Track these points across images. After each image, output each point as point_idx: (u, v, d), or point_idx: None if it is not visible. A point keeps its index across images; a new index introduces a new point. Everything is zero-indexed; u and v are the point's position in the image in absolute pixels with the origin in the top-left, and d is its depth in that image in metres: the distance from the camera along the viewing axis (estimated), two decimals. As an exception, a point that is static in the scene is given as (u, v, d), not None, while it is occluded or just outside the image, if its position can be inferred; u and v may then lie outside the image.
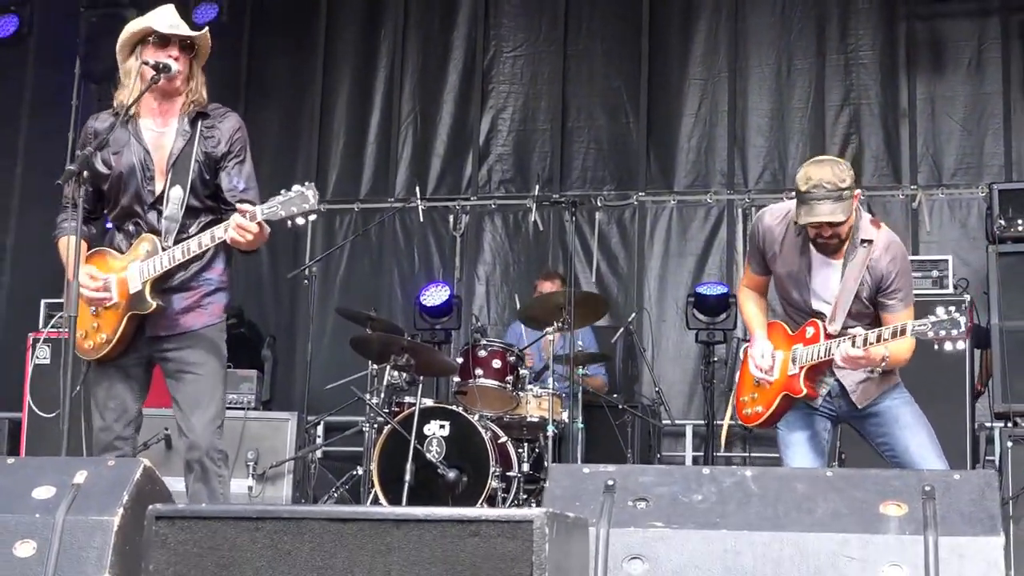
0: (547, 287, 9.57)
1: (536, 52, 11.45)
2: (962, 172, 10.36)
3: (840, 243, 5.35)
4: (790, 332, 5.53)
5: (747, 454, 9.95)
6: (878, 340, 5.13)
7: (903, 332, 5.09)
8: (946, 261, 8.82)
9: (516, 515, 2.95)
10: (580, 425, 8.36)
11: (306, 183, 5.01)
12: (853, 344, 5.15)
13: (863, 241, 5.36)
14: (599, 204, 11.02)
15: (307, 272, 9.29)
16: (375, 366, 8.60)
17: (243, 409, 9.15)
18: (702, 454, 9.90)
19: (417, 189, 11.22)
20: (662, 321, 10.73)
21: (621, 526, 3.82)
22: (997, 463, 7.81)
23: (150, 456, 7.22)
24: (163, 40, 5.36)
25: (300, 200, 4.96)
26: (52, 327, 9.39)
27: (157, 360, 5.38)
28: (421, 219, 11.29)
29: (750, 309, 5.76)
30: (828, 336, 5.34)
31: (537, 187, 10.98)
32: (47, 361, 9.21)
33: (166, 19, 5.41)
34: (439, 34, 11.65)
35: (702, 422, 9.90)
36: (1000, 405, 7.90)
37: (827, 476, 3.95)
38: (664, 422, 9.95)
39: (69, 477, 4.09)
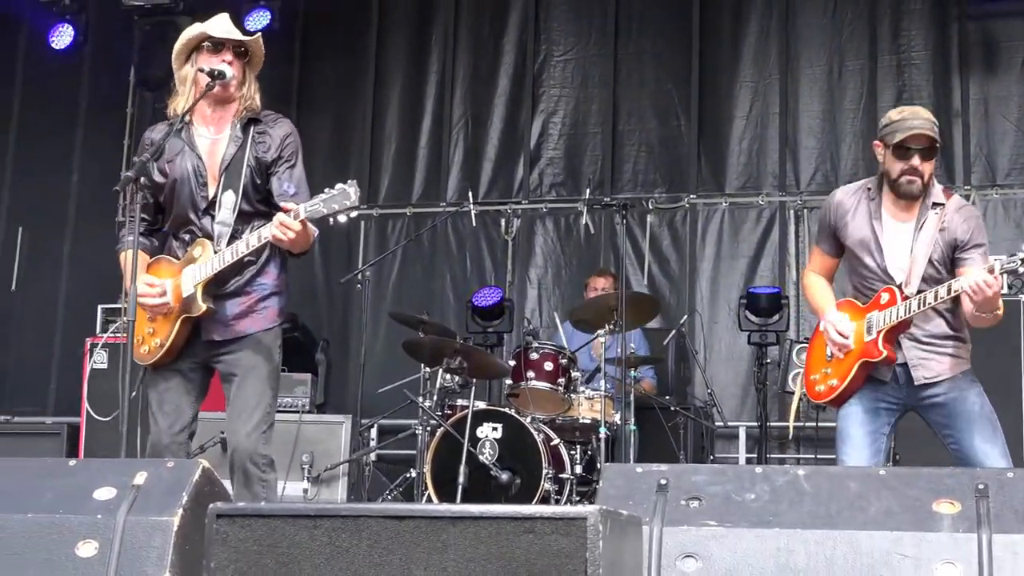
0: (600, 283, 9.59)
1: (586, 55, 11.48)
2: (1016, 172, 10.30)
3: (919, 192, 5.36)
4: (861, 305, 5.49)
5: (800, 455, 9.93)
6: (991, 273, 5.09)
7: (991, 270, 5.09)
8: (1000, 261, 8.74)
9: (570, 512, 2.97)
10: (632, 427, 8.37)
11: (349, 181, 5.04)
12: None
13: (935, 204, 5.40)
14: (650, 207, 11.03)
15: (360, 277, 9.33)
16: (427, 369, 8.64)
17: (297, 412, 9.23)
18: (755, 455, 9.88)
19: (469, 193, 11.27)
20: (714, 323, 10.72)
21: (674, 524, 3.84)
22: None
23: (206, 459, 7.28)
24: (217, 46, 5.41)
25: (342, 197, 4.99)
26: (109, 332, 9.51)
27: (214, 365, 5.43)
28: (473, 223, 11.34)
29: (818, 289, 5.69)
30: (905, 297, 5.30)
31: (588, 190, 10.98)
32: (104, 366, 9.33)
33: (221, 25, 5.46)
34: (489, 38, 11.70)
35: (755, 424, 9.87)
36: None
37: (880, 474, 3.95)
38: (717, 424, 9.93)
39: (129, 478, 4.15)
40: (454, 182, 11.56)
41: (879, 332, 5.32)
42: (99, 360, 9.47)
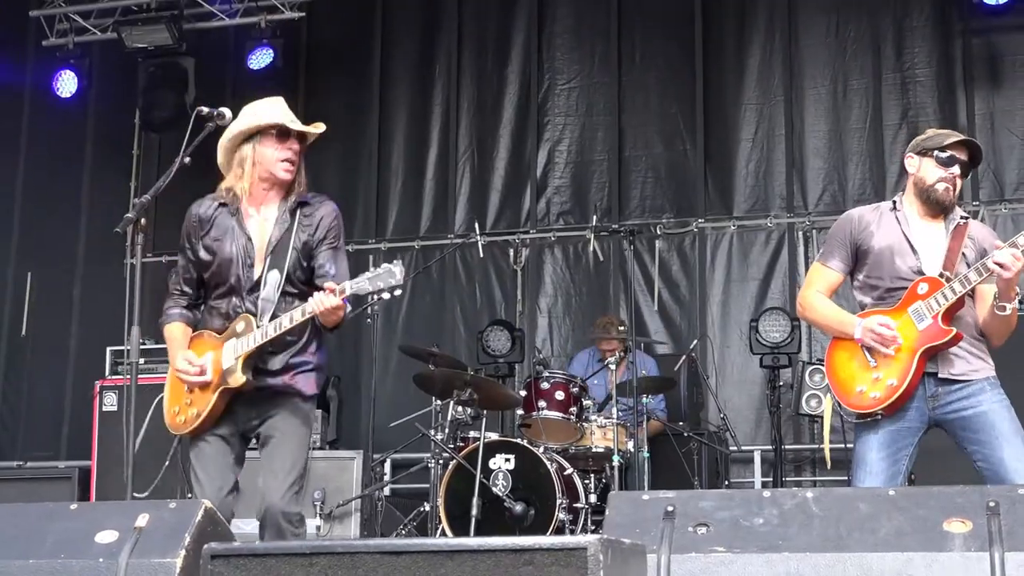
0: (608, 347, 9.45)
1: (590, 83, 11.48)
2: (1024, 186, 10.27)
3: (952, 202, 5.45)
4: (888, 308, 5.44)
5: (816, 477, 9.86)
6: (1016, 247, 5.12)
7: None
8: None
9: (570, 543, 2.93)
10: (646, 454, 8.34)
11: (394, 261, 5.19)
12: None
13: (962, 217, 5.49)
14: (659, 232, 11.01)
15: (369, 311, 9.32)
16: (439, 402, 8.61)
17: (309, 449, 9.17)
18: (771, 479, 9.82)
19: (476, 224, 11.27)
20: (726, 347, 10.68)
21: (682, 552, 3.79)
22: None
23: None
24: (283, 134, 5.47)
25: (387, 276, 5.10)
26: (118, 374, 9.51)
27: (251, 432, 5.50)
28: (481, 254, 11.33)
29: (829, 304, 5.57)
30: (948, 280, 5.26)
31: (596, 217, 10.96)
32: (114, 408, 9.34)
33: (287, 114, 5.52)
34: (493, 69, 11.71)
35: (770, 447, 9.81)
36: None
37: (890, 495, 3.90)
38: (731, 448, 9.88)
39: (131, 520, 4.13)
40: (461, 213, 11.56)
41: (935, 315, 5.25)
42: (108, 402, 9.47)
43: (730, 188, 11.00)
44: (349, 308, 5.31)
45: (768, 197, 10.89)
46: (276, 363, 5.40)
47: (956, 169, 5.42)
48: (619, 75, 11.37)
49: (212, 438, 5.42)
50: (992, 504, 3.71)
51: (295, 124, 5.49)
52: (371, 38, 11.95)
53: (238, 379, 5.29)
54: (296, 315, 5.24)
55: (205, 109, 5.45)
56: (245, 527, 5.68)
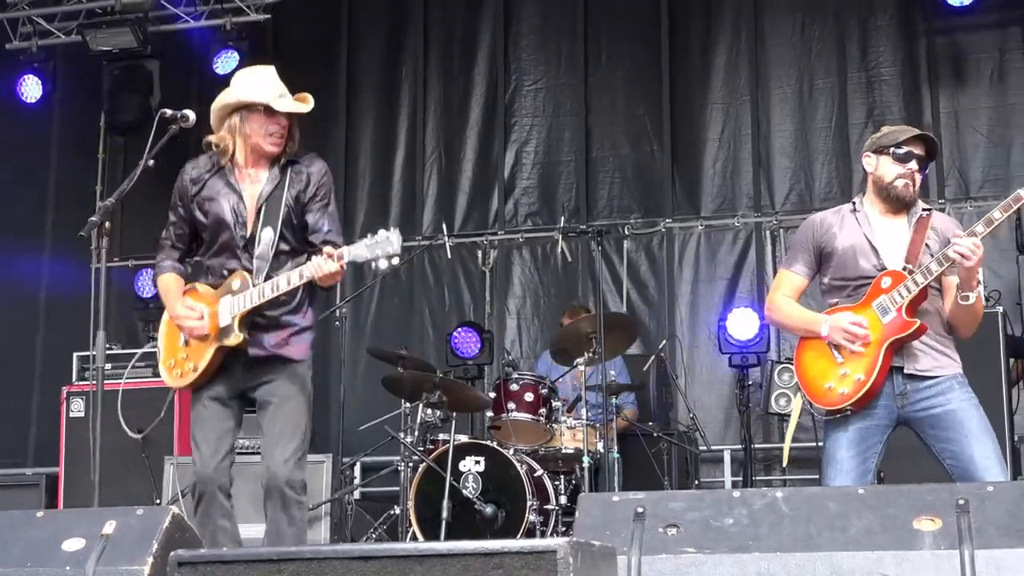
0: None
1: (557, 84, 11.48)
2: (989, 184, 10.28)
3: (912, 197, 5.45)
4: (853, 304, 5.45)
5: (786, 476, 9.88)
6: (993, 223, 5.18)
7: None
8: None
9: (539, 546, 2.92)
10: (616, 455, 8.33)
11: (392, 228, 5.17)
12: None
13: (924, 209, 5.50)
14: (626, 232, 11.01)
15: (337, 314, 9.29)
16: (408, 404, 8.60)
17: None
18: (741, 479, 9.83)
19: (444, 226, 11.24)
20: (695, 347, 10.69)
21: (653, 553, 3.79)
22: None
23: (183, 506, 7.22)
24: (272, 110, 5.54)
25: (385, 244, 5.14)
26: (85, 380, 9.44)
27: (250, 395, 5.58)
28: (449, 256, 11.31)
29: (795, 306, 5.61)
30: (911, 272, 5.28)
31: (563, 218, 10.96)
32: (81, 414, 9.27)
33: (276, 89, 5.59)
34: (460, 71, 11.69)
35: (739, 447, 9.83)
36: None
37: (859, 494, 3.92)
38: (701, 448, 9.88)
39: (98, 528, 4.11)
40: (429, 215, 11.54)
41: (899, 308, 5.26)
42: (76, 408, 9.40)
43: (697, 188, 11.01)
44: (345, 270, 5.35)
45: (735, 197, 10.91)
46: (270, 322, 5.49)
47: (914, 164, 5.43)
48: (586, 76, 11.37)
49: (210, 402, 5.53)
50: (961, 502, 3.72)
51: (281, 103, 5.53)
52: (337, 40, 11.91)
53: (236, 337, 5.39)
54: (294, 277, 5.32)
55: (169, 111, 5.55)
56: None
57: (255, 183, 5.59)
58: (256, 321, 5.45)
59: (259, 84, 5.58)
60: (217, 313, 5.44)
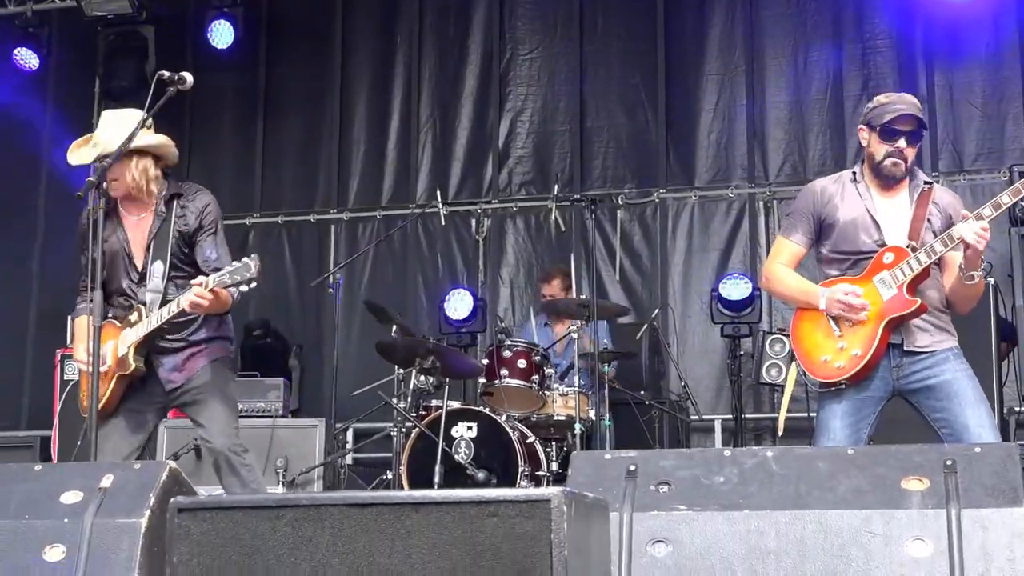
0: (550, 290, 9.56)
1: (552, 53, 11.47)
2: (983, 157, 10.31)
3: (902, 175, 5.42)
4: (854, 277, 5.45)
5: (776, 446, 9.90)
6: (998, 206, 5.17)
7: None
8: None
9: (534, 495, 2.96)
10: (608, 422, 8.37)
11: (252, 255, 5.49)
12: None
13: (925, 182, 5.48)
14: (620, 202, 11.03)
15: (331, 280, 9.30)
16: (401, 370, 8.62)
17: (271, 417, 9.19)
18: (731, 448, 9.86)
19: (438, 194, 11.23)
20: (687, 317, 10.72)
21: (644, 510, 3.82)
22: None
23: (181, 466, 7.27)
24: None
25: (243, 270, 5.43)
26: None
27: (172, 404, 5.90)
28: (443, 224, 11.32)
29: (794, 276, 5.59)
30: (914, 250, 5.27)
31: (557, 187, 10.96)
32: (76, 377, 9.27)
33: (103, 144, 5.72)
34: (455, 39, 11.68)
35: (730, 416, 9.87)
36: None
37: (848, 454, 3.95)
38: (692, 417, 9.93)
39: (96, 481, 4.14)
40: (423, 183, 11.54)
41: (900, 286, 5.25)
42: (70, 371, 9.43)
43: (691, 158, 11.02)
44: (237, 295, 5.63)
45: (729, 167, 10.92)
46: (177, 344, 5.76)
47: (902, 142, 5.37)
48: (581, 45, 11.36)
49: (114, 421, 5.75)
50: (949, 463, 3.75)
51: (80, 154, 5.75)
52: (332, 7, 11.89)
53: (130, 365, 5.66)
54: (173, 307, 5.58)
55: (167, 73, 5.59)
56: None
57: (142, 221, 5.81)
58: (164, 347, 5.74)
59: (91, 147, 5.77)
60: (118, 346, 5.69)
